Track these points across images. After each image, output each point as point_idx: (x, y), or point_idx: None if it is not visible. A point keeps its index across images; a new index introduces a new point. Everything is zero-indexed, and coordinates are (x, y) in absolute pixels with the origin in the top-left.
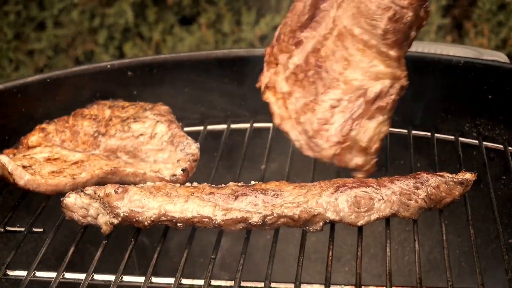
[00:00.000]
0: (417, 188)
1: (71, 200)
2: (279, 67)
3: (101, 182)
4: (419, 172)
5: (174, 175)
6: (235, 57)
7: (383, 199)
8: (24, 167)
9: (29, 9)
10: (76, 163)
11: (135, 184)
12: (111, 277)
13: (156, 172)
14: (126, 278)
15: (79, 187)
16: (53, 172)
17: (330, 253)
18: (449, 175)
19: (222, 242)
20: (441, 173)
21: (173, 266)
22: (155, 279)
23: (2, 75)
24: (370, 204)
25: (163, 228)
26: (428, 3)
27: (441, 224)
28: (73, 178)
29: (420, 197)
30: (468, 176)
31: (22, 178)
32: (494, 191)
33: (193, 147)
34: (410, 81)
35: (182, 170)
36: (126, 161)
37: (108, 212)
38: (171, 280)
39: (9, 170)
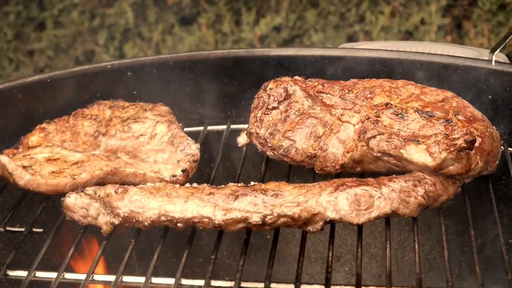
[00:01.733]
0: (415, 186)
1: (72, 200)
2: None
3: (101, 182)
4: (415, 172)
5: (174, 175)
6: (235, 57)
7: (383, 196)
8: (24, 167)
9: (29, 9)
10: (76, 163)
11: (135, 184)
12: (111, 277)
13: (156, 172)
14: (126, 278)
15: (79, 187)
16: (53, 172)
17: (330, 253)
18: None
19: (222, 242)
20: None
21: (173, 266)
22: (155, 279)
23: (2, 75)
24: (370, 201)
25: (163, 229)
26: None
27: (441, 224)
28: (73, 179)
29: (419, 194)
30: None
31: (22, 178)
32: (494, 191)
33: (193, 148)
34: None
35: (182, 170)
36: (126, 161)
37: (109, 212)
38: (171, 280)
39: (9, 170)
